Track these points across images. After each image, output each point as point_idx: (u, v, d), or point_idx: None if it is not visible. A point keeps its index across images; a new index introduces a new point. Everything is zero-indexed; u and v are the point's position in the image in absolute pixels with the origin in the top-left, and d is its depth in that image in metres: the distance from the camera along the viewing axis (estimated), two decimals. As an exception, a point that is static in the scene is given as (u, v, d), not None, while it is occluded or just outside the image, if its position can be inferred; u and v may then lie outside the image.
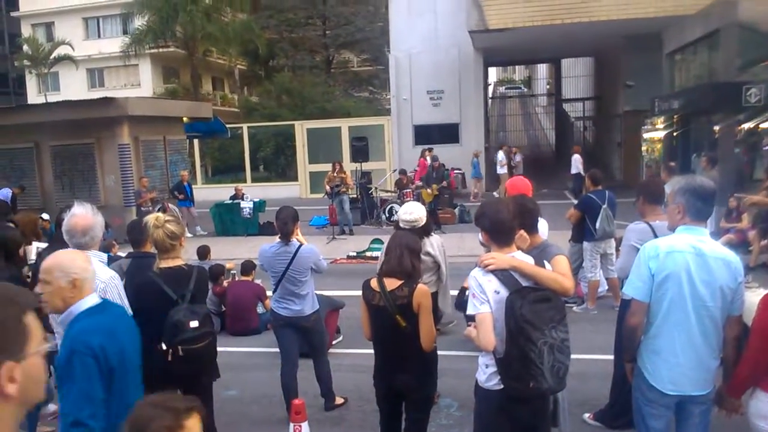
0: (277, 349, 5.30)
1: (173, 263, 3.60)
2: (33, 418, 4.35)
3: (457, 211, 15.49)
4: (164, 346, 3.36)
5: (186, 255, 3.88)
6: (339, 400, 5.24)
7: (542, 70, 45.35)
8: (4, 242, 4.14)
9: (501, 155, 18.86)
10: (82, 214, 3.43)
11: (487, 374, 3.04)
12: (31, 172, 14.10)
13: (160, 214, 3.64)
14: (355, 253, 11.71)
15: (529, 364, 2.79)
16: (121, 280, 3.67)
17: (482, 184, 19.92)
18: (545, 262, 3.17)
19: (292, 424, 3.86)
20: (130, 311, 3.46)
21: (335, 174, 14.43)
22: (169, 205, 13.53)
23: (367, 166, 17.11)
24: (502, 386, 2.96)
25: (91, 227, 3.43)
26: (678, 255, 2.97)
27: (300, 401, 3.90)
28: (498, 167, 18.96)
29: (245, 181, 22.82)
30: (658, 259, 2.99)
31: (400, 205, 13.69)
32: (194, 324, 3.40)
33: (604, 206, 7.24)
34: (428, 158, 18.29)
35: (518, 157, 20.77)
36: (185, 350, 3.37)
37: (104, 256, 3.58)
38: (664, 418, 3.17)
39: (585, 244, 7.50)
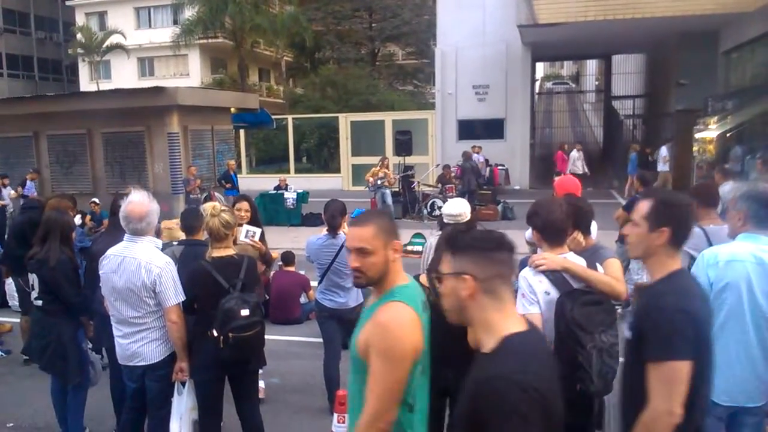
0: (318, 339, 5.37)
1: (224, 252, 3.68)
2: (78, 402, 4.48)
3: (500, 207, 15.36)
4: (215, 333, 3.44)
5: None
6: (379, 393, 5.27)
7: (591, 66, 44.47)
8: (60, 226, 4.28)
9: (664, 150, 17.42)
10: (139, 201, 3.54)
11: None
12: (83, 158, 14.49)
13: (216, 203, 3.74)
14: (396, 247, 11.72)
15: (577, 367, 2.76)
16: (174, 266, 3.78)
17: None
18: (597, 265, 3.12)
19: (336, 414, 3.90)
20: (183, 297, 3.56)
21: (379, 168, 14.47)
22: (215, 193, 13.80)
23: (410, 160, 17.08)
24: None
25: (148, 213, 3.53)
26: (738, 264, 2.89)
27: (344, 392, 3.93)
28: (660, 163, 17.31)
29: (289, 172, 23.09)
30: (718, 267, 2.91)
31: (443, 200, 13.68)
32: (245, 312, 3.48)
33: (653, 208, 7.06)
34: (574, 151, 17.85)
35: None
36: (236, 338, 3.45)
37: (159, 243, 3.68)
38: (715, 428, 3.09)
39: (632, 246, 7.34)
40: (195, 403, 3.76)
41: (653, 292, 2.31)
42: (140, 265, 3.45)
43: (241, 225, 4.84)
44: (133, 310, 3.54)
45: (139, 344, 3.59)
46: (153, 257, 3.50)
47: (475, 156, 18.69)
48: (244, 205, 5.10)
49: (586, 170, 18.00)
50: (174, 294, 3.52)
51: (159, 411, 3.72)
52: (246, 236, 4.78)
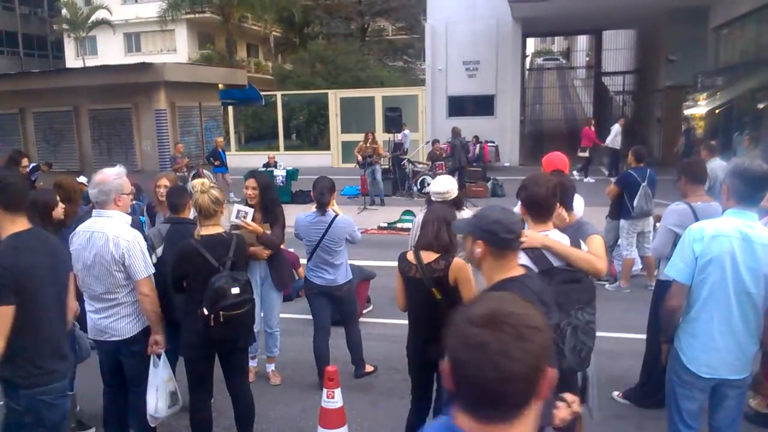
0: (308, 316, 5.40)
1: (213, 230, 3.68)
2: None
3: (489, 184, 15.38)
4: (206, 312, 3.45)
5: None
6: (369, 368, 5.33)
7: (582, 41, 44.26)
8: (41, 205, 4.21)
9: None
10: (103, 171, 3.59)
11: None
12: (70, 136, 14.32)
13: (205, 180, 3.73)
14: (385, 224, 11.74)
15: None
16: (153, 242, 3.78)
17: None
18: (581, 242, 3.14)
19: (325, 390, 3.93)
20: (152, 269, 3.57)
21: (367, 144, 14.44)
22: (204, 171, 13.71)
23: (399, 137, 17.04)
24: None
25: (103, 183, 3.53)
26: (723, 239, 2.92)
27: (333, 368, 3.97)
28: None
29: (278, 149, 22.95)
30: (703, 242, 2.94)
31: (432, 177, 13.68)
32: (236, 291, 3.49)
33: (644, 184, 7.10)
34: (617, 125, 17.37)
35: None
36: (226, 316, 3.46)
37: (129, 218, 3.66)
38: (697, 400, 3.16)
39: (622, 221, 7.40)
40: (171, 375, 3.80)
41: None
42: (108, 239, 3.44)
43: (252, 206, 4.78)
44: (103, 285, 3.53)
45: (111, 320, 3.58)
46: (121, 231, 3.50)
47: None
48: (251, 182, 4.83)
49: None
50: (144, 267, 3.51)
51: (138, 387, 3.73)
52: (237, 216, 4.64)
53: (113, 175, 3.58)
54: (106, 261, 3.45)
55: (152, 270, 3.57)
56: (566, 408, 2.32)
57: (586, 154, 17.23)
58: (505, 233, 2.32)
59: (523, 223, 2.62)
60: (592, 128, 18.02)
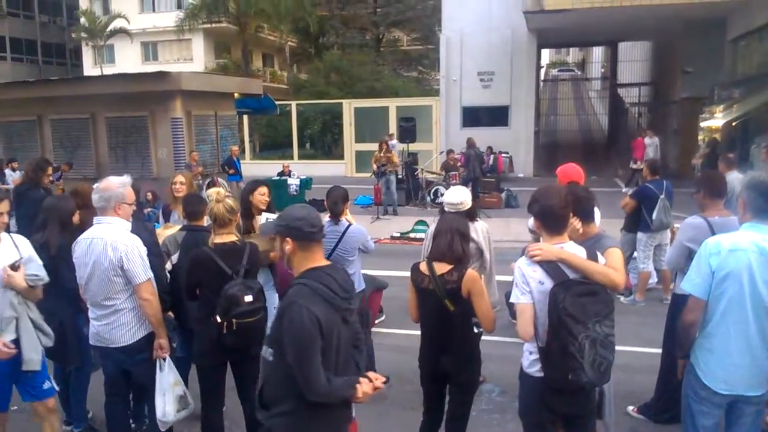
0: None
1: (227, 239, 3.69)
2: (80, 386, 4.50)
3: (503, 195, 15.33)
4: (218, 319, 3.46)
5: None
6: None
7: (597, 53, 44.12)
8: (56, 211, 4.25)
9: None
10: (109, 179, 3.65)
11: (529, 360, 3.07)
12: (87, 143, 14.48)
13: (220, 189, 3.76)
14: (398, 234, 11.72)
15: (569, 357, 2.76)
16: (168, 249, 3.79)
17: None
18: (598, 254, 3.11)
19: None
20: (150, 273, 3.58)
21: (381, 154, 14.46)
22: (219, 179, 13.78)
23: (413, 147, 17.03)
24: (543, 374, 2.97)
25: (105, 190, 3.59)
26: (740, 253, 2.88)
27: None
28: None
29: (292, 158, 23.04)
30: (720, 256, 2.90)
31: (446, 188, 13.66)
32: (249, 299, 3.50)
33: (662, 197, 7.03)
34: (647, 137, 17.17)
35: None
36: (239, 324, 3.47)
37: (129, 225, 3.68)
38: (714, 416, 3.11)
39: (640, 234, 7.31)
40: (178, 379, 3.80)
41: None
42: (106, 244, 3.48)
43: (260, 213, 4.80)
44: (102, 291, 3.55)
45: (110, 327, 3.60)
46: (119, 236, 3.53)
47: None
48: (264, 190, 4.89)
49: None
50: (143, 271, 3.53)
51: (149, 393, 3.75)
52: None
53: (118, 183, 3.63)
54: (104, 266, 3.48)
55: (151, 274, 3.58)
56: (368, 383, 2.55)
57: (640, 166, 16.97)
58: (309, 228, 2.57)
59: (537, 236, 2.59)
60: (646, 139, 17.45)
